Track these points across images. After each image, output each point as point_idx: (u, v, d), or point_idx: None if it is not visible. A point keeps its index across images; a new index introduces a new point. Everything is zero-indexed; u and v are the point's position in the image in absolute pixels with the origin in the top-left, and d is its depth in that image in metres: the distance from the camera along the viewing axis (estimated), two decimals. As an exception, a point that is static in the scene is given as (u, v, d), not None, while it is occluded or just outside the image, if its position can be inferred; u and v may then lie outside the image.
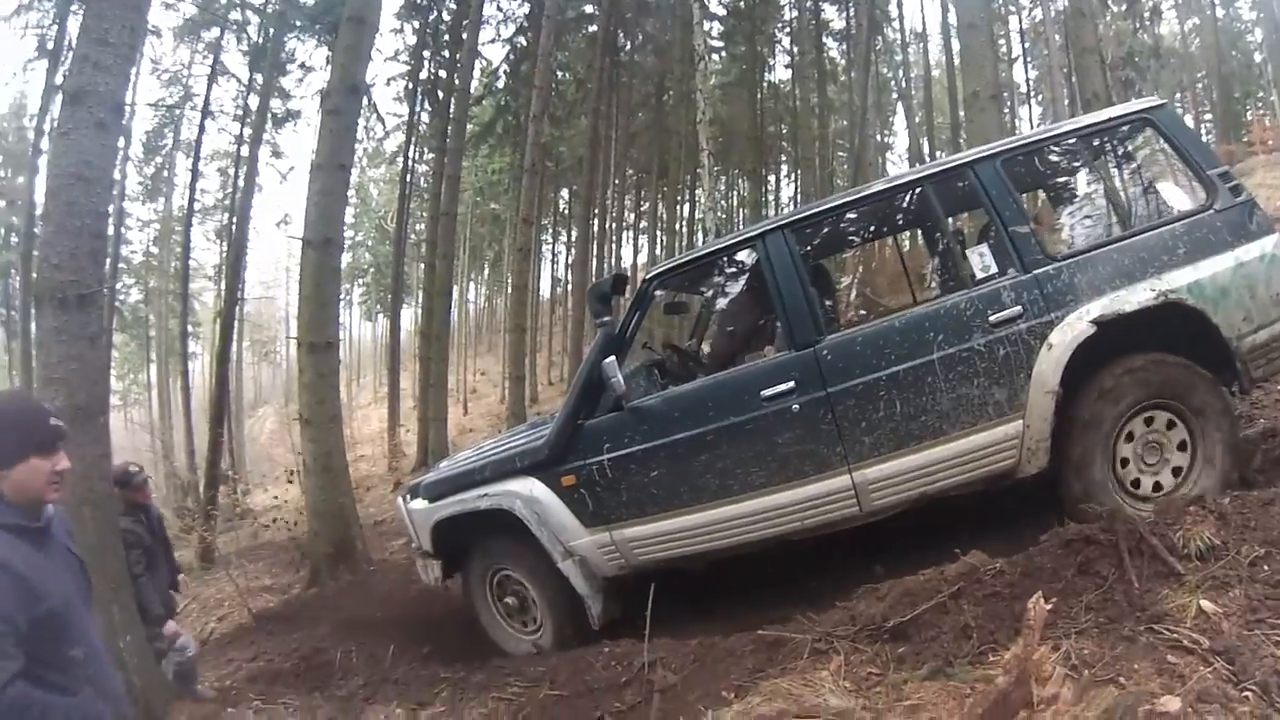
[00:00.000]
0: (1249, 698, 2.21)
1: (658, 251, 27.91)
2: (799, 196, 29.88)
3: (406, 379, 24.33)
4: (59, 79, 13.19)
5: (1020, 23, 27.74)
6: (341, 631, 5.65)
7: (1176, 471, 3.62)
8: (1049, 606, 2.39)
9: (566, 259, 35.53)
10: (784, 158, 31.87)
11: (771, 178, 33.03)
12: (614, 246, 30.94)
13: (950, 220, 4.91)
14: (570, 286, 23.82)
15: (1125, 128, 4.06)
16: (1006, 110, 25.58)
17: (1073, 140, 4.09)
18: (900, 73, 27.07)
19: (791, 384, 3.79)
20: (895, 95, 27.72)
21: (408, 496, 4.94)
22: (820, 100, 25.98)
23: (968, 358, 3.62)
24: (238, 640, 6.42)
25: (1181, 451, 3.63)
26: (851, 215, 4.55)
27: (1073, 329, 3.54)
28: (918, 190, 4.17)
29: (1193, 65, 32.34)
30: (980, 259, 3.84)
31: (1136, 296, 3.52)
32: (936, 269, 5.38)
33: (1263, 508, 3.07)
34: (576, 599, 4.28)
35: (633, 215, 33.70)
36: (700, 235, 26.47)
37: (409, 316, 34.65)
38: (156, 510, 5.30)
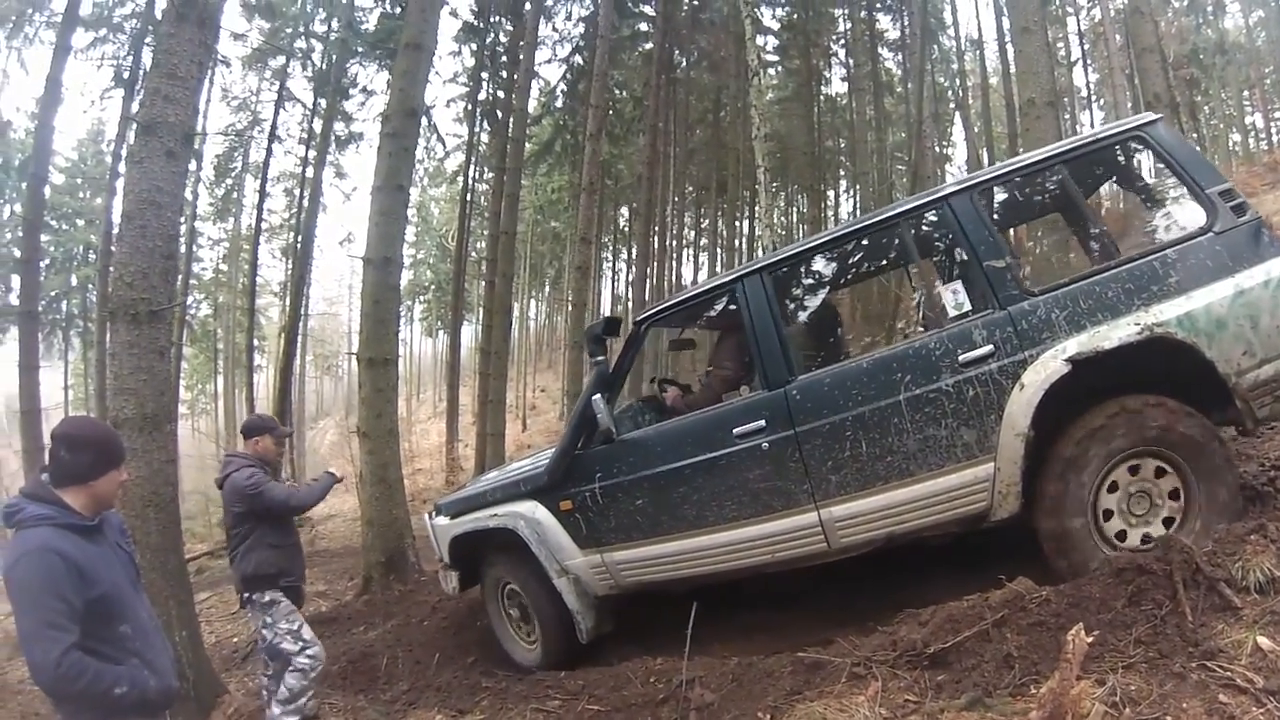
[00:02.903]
0: (1301, 742, 2.11)
1: (718, 268, 27.86)
2: (858, 211, 29.43)
3: (466, 394, 24.71)
4: (134, 107, 13.85)
5: (1079, 24, 26.87)
6: (389, 638, 5.80)
7: (1168, 523, 3.36)
8: (1090, 639, 2.32)
9: (627, 276, 35.66)
10: (842, 172, 31.55)
11: (830, 193, 32.74)
12: (674, 264, 30.98)
13: (931, 256, 4.84)
14: (630, 304, 23.92)
15: (1117, 147, 3.86)
16: (1066, 116, 24.87)
17: (1059, 165, 3.79)
18: (957, 82, 26.56)
19: (762, 422, 3.87)
20: (953, 105, 27.22)
21: (433, 513, 5.28)
22: (877, 113, 25.64)
23: (935, 398, 3.54)
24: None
25: (1174, 500, 3.37)
26: (830, 255, 4.52)
27: (1046, 368, 3.36)
28: (893, 227, 4.06)
29: (1260, 60, 30.63)
30: (953, 296, 3.72)
31: (1118, 332, 3.30)
32: (918, 307, 5.28)
33: (1330, 537, 2.91)
34: (566, 615, 4.52)
35: (692, 232, 33.69)
36: (761, 252, 26.29)
37: (469, 333, 35.12)
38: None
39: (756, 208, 20.76)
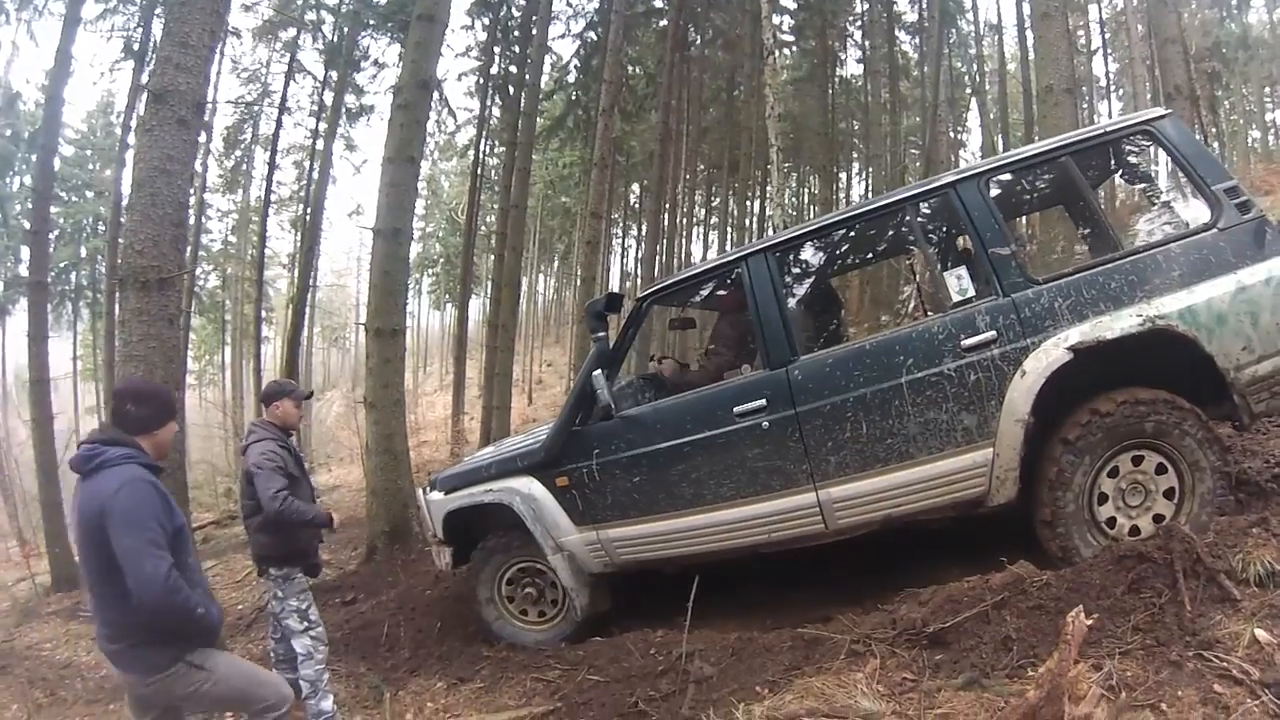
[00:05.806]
0: (1295, 735, 2.12)
1: (728, 247, 27.75)
2: (870, 194, 29.25)
3: (473, 367, 24.70)
4: (144, 78, 13.78)
5: (1100, 12, 26.42)
6: (392, 606, 5.86)
7: (1159, 517, 3.41)
8: (1090, 622, 2.33)
9: (636, 253, 35.54)
10: (855, 155, 31.30)
11: (843, 175, 32.48)
12: (684, 241, 30.84)
13: (936, 242, 4.82)
14: (639, 280, 23.86)
15: (1124, 140, 3.86)
16: (1084, 105, 24.57)
17: (1066, 156, 3.80)
18: (974, 67, 26.27)
19: (763, 401, 3.88)
20: (969, 90, 26.94)
21: (427, 488, 5.22)
22: (892, 96, 25.33)
23: (937, 382, 3.57)
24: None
25: (1168, 493, 3.43)
26: (835, 237, 4.55)
27: (1048, 355, 3.42)
28: (900, 211, 4.08)
29: (1284, 57, 30.20)
30: (957, 282, 3.75)
31: (1121, 323, 3.35)
32: (921, 291, 5.30)
33: (1333, 532, 2.91)
34: None
35: (703, 211, 33.50)
36: (771, 232, 26.18)
37: (477, 306, 35.22)
38: (296, 447, 4.58)
39: (768, 187, 20.65)
